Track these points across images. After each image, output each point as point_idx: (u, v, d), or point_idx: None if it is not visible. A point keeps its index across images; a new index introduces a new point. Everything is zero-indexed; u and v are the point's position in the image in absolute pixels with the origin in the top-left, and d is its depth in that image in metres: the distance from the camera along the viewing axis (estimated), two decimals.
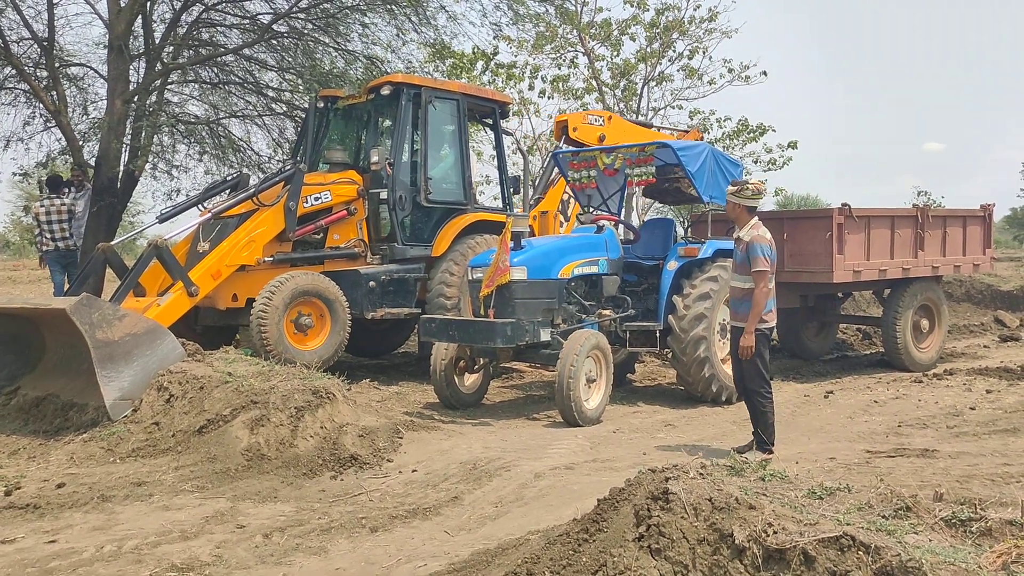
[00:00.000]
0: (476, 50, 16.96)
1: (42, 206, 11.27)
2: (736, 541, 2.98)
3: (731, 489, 3.23)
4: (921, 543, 2.99)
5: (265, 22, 11.54)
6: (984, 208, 12.28)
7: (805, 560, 2.88)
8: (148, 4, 11.31)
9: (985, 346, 13.56)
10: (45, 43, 11.24)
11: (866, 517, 3.21)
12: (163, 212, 9.44)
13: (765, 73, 19.15)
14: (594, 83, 18.87)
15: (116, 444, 6.40)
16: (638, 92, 18.82)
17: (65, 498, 5.34)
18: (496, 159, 11.60)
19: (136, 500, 5.37)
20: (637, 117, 18.09)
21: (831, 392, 9.61)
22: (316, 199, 9.54)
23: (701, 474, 3.43)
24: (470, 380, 8.71)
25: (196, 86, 12.60)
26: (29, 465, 6.17)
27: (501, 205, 11.33)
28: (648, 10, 18.03)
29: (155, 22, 11.80)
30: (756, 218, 6.71)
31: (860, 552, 2.86)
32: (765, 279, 6.46)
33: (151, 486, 5.62)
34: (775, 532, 2.97)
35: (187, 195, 12.35)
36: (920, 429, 7.64)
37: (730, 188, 6.76)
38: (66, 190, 11.54)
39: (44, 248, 11.39)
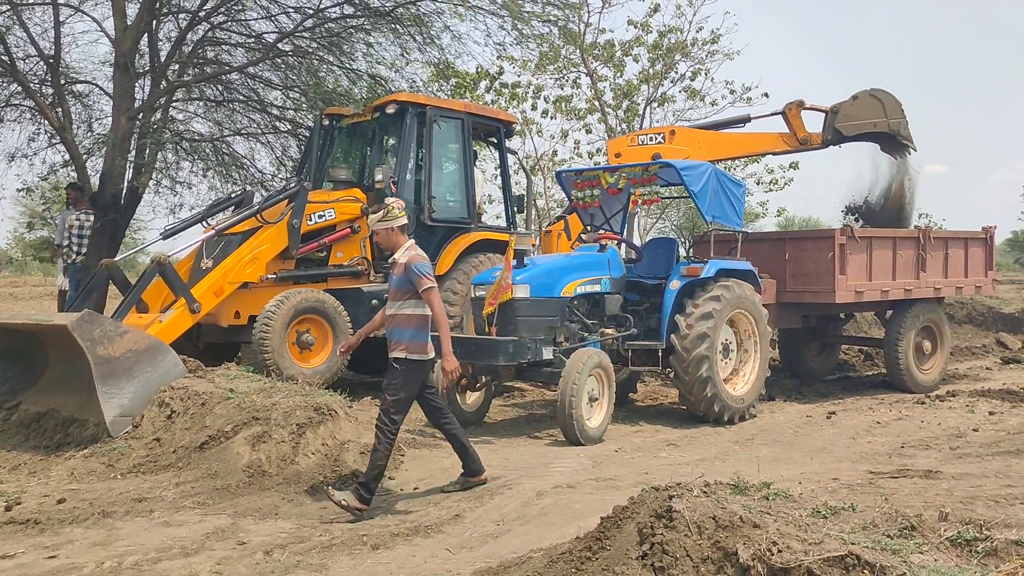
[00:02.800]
0: (480, 69, 17.03)
1: (77, 219, 11.21)
2: (740, 560, 2.97)
3: (735, 507, 3.23)
4: (927, 563, 2.98)
5: (270, 41, 11.62)
6: (986, 230, 12.30)
7: None
8: (154, 23, 11.38)
9: (987, 368, 13.54)
10: (51, 60, 11.30)
11: (871, 536, 3.20)
12: (167, 228, 9.46)
13: (767, 95, 19.23)
14: (596, 103, 18.96)
15: (117, 460, 6.39)
16: (640, 113, 18.88)
17: (66, 513, 5.32)
18: (500, 178, 11.64)
19: (137, 516, 5.36)
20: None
21: (833, 412, 9.59)
22: (320, 217, 9.57)
23: (705, 492, 3.42)
24: (472, 398, 8.69)
25: (200, 104, 12.66)
26: (30, 480, 6.16)
27: (504, 224, 11.36)
28: (651, 32, 18.14)
29: (161, 40, 11.88)
30: (411, 240, 6.21)
31: (865, 571, 2.84)
32: (438, 294, 6.02)
33: (152, 502, 5.61)
34: (780, 551, 2.96)
35: (191, 211, 12.38)
36: (923, 450, 7.61)
37: (373, 217, 6.05)
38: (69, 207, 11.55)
39: (67, 260, 11.37)
